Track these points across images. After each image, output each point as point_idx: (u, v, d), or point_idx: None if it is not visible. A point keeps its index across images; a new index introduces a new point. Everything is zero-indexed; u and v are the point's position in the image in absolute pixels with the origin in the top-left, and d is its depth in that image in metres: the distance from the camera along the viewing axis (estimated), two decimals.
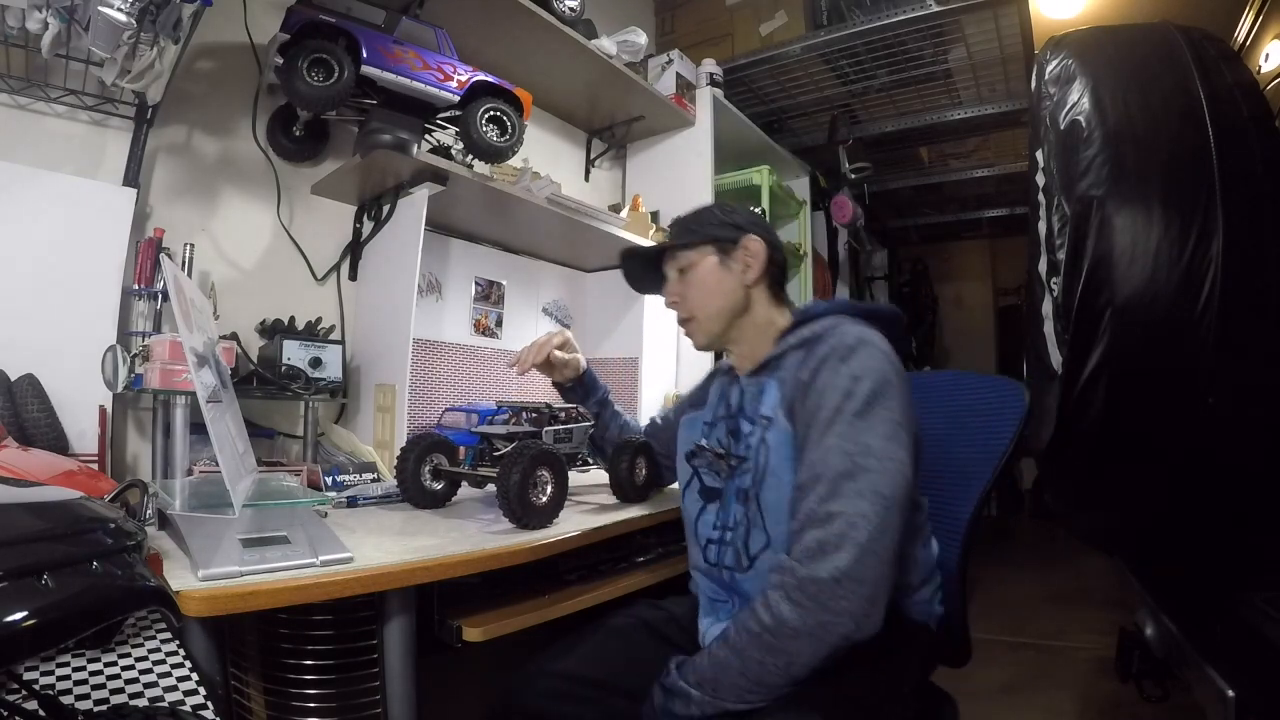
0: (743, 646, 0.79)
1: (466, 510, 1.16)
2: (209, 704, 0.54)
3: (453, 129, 1.51)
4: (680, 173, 2.29)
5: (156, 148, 1.30)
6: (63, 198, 1.14)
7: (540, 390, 1.99)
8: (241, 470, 0.97)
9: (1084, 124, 1.18)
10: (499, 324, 1.90)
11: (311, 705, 0.85)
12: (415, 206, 1.43)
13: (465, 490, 1.25)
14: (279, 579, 0.71)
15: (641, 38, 1.98)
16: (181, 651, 0.62)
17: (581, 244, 1.94)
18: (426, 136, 1.52)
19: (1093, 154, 1.16)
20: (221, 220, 1.41)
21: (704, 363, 2.11)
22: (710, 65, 2.32)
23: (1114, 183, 1.14)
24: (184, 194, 1.35)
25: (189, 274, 1.27)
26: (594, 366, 1.34)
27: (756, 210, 2.31)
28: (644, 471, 1.26)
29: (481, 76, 1.46)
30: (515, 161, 1.62)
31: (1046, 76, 1.30)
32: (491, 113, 1.46)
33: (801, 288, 2.72)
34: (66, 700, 0.52)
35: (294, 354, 1.34)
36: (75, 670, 0.57)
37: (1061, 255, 1.19)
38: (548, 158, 2.09)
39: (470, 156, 1.51)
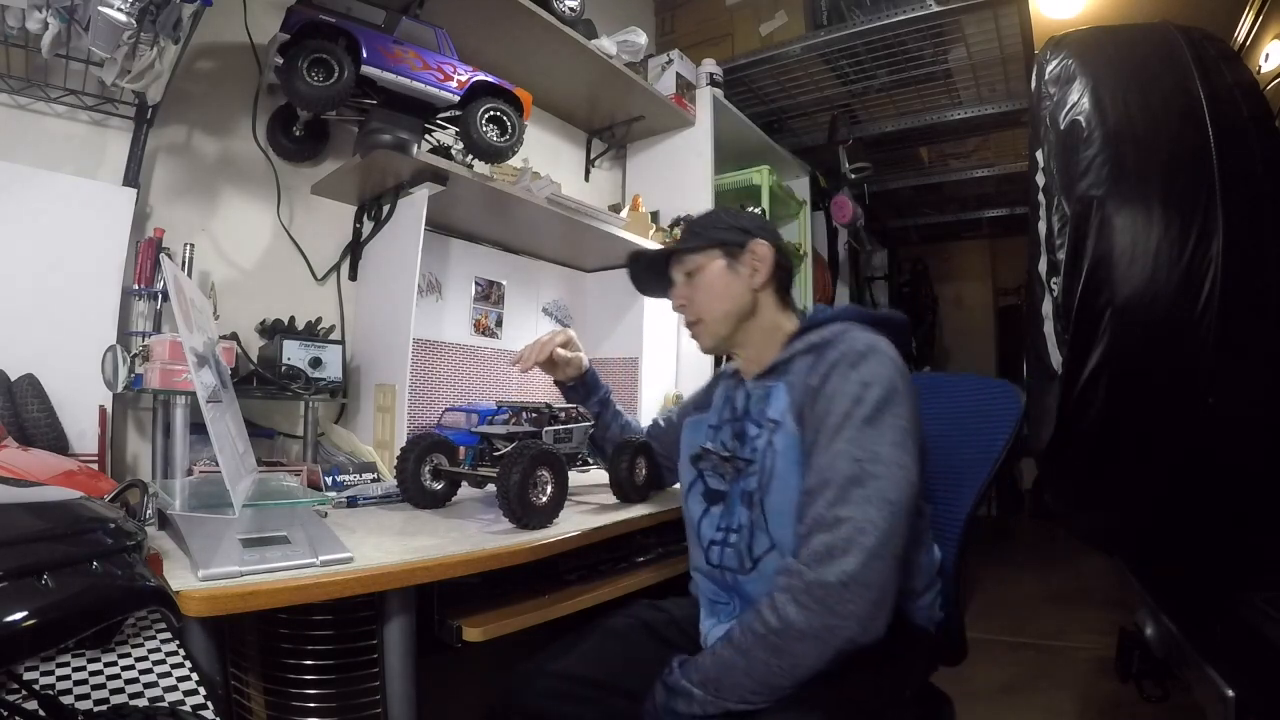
0: (748, 647, 0.79)
1: (466, 510, 1.16)
2: (209, 704, 0.54)
3: (453, 129, 1.51)
4: (680, 173, 2.29)
5: (156, 148, 1.30)
6: (63, 198, 1.14)
7: (540, 390, 1.99)
8: (241, 470, 0.97)
9: (1084, 124, 1.18)
10: (499, 324, 1.90)
11: (311, 705, 0.85)
12: (415, 206, 1.43)
13: (465, 490, 1.25)
14: (279, 579, 0.71)
15: (641, 38, 1.98)
16: (181, 651, 0.62)
17: (581, 244, 1.94)
18: (426, 136, 1.52)
19: (1093, 154, 1.16)
20: (221, 220, 1.41)
21: (704, 363, 2.12)
22: (710, 65, 2.32)
23: (1114, 183, 1.13)
24: (184, 194, 1.35)
25: (189, 274, 1.27)
26: (594, 367, 1.34)
27: (757, 211, 2.32)
28: (644, 471, 1.26)
29: (481, 76, 1.46)
30: (515, 161, 1.62)
31: (1046, 76, 1.29)
32: (491, 113, 1.46)
33: (802, 288, 2.72)
34: (66, 700, 0.52)
35: (294, 354, 1.34)
36: (75, 670, 0.57)
37: (1061, 255, 1.19)
38: (548, 158, 2.09)
39: (470, 156, 1.51)
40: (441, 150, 1.52)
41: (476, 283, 1.85)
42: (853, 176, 2.86)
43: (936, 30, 2.30)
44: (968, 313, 5.48)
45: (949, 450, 1.13)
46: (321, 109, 1.31)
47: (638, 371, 2.01)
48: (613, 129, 2.28)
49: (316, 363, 1.37)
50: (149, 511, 0.87)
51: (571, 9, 1.75)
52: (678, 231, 2.14)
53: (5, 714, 0.47)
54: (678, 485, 1.28)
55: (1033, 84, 1.38)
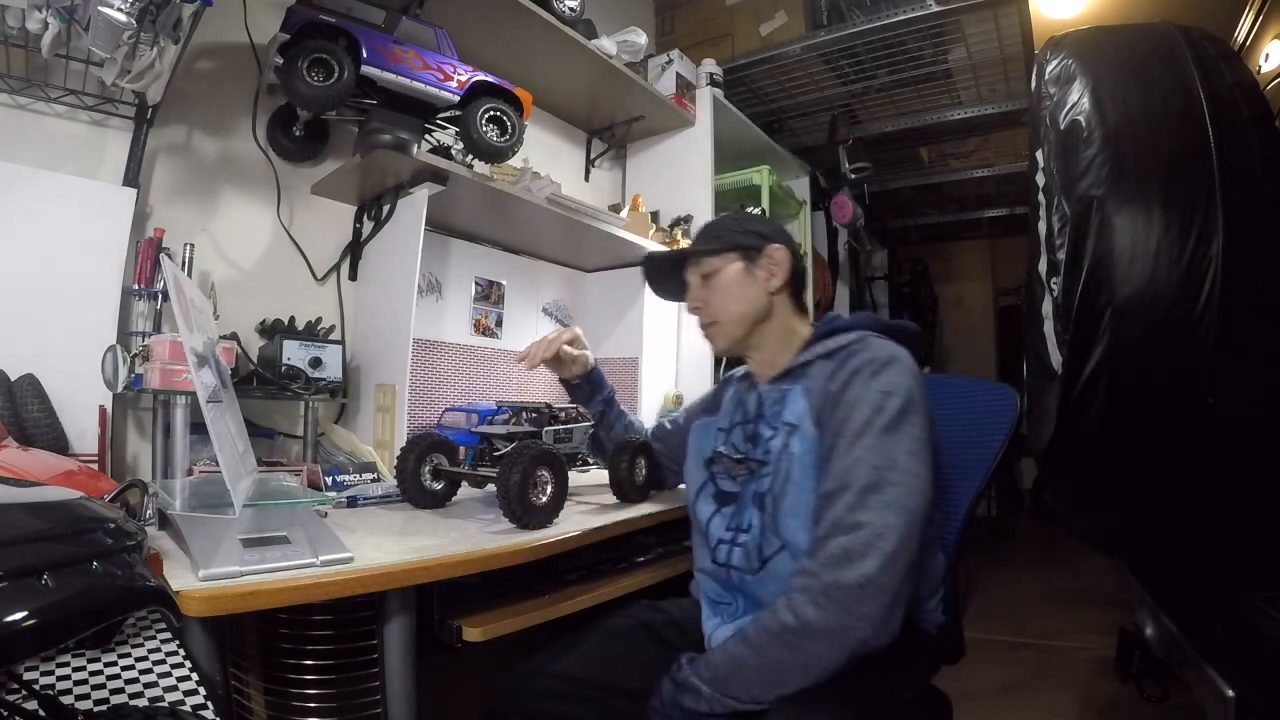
0: (762, 645, 0.80)
1: (466, 510, 1.16)
2: (209, 704, 0.54)
3: (453, 129, 1.51)
4: (680, 173, 2.29)
5: (156, 148, 1.30)
6: (63, 198, 1.14)
7: (540, 390, 1.99)
8: (242, 470, 0.97)
9: (1084, 124, 1.18)
10: (499, 324, 1.90)
11: (311, 705, 0.85)
12: (415, 206, 1.43)
13: (465, 490, 1.25)
14: (279, 579, 0.71)
15: (641, 38, 1.98)
16: (181, 651, 0.62)
17: (581, 244, 1.94)
18: (426, 136, 1.52)
19: (1093, 154, 1.16)
20: (221, 220, 1.41)
21: (704, 364, 2.12)
22: (710, 65, 2.32)
23: (1114, 183, 1.13)
24: (184, 194, 1.35)
25: (189, 274, 1.27)
26: (599, 365, 1.34)
27: (757, 211, 2.32)
28: (644, 471, 1.26)
29: (481, 76, 1.46)
30: (515, 161, 1.62)
31: (1046, 76, 1.29)
32: (491, 113, 1.46)
33: None
34: (66, 700, 0.52)
35: (294, 354, 1.34)
36: (75, 670, 0.57)
37: (1061, 255, 1.19)
38: (548, 158, 2.09)
39: (470, 156, 1.51)
40: (441, 150, 1.52)
41: (476, 283, 1.85)
42: (853, 176, 2.86)
43: (936, 30, 2.30)
44: (968, 313, 5.48)
45: (945, 453, 1.13)
46: (321, 109, 1.31)
47: (638, 371, 2.01)
48: (613, 129, 2.28)
49: (316, 363, 1.37)
50: (149, 511, 0.87)
51: (571, 9, 1.75)
52: (678, 232, 2.14)
53: (5, 714, 0.47)
54: (682, 486, 1.28)
55: (1033, 84, 1.38)
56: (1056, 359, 1.24)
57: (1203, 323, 1.07)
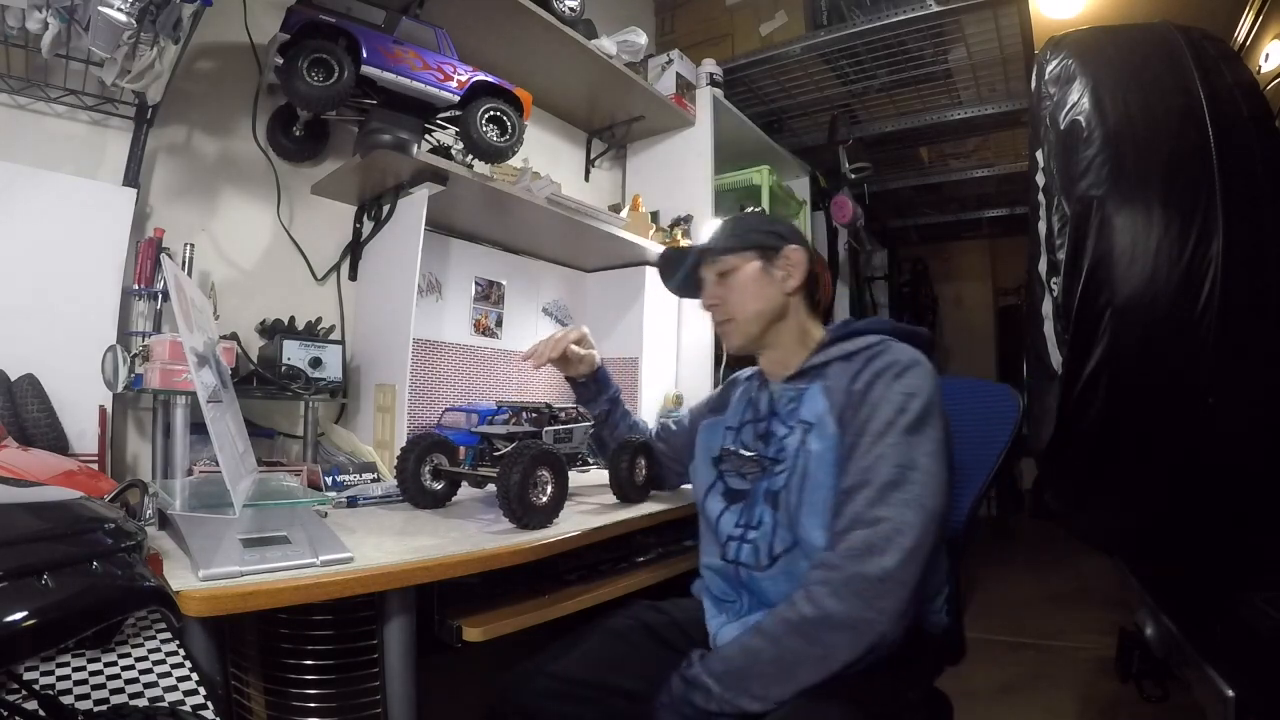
0: (780, 636, 0.80)
1: (466, 510, 1.16)
2: (209, 704, 0.54)
3: (453, 129, 1.51)
4: (680, 173, 2.29)
5: (156, 148, 1.30)
6: (63, 198, 1.14)
7: (540, 390, 1.99)
8: (242, 470, 0.97)
9: (1084, 124, 1.18)
10: (499, 324, 1.90)
11: (311, 705, 0.85)
12: (415, 206, 1.43)
13: (465, 490, 1.25)
14: (279, 579, 0.71)
15: (641, 38, 1.98)
16: (181, 651, 0.62)
17: (581, 244, 1.94)
18: (426, 136, 1.52)
19: (1093, 154, 1.16)
20: (221, 220, 1.41)
21: (704, 364, 2.12)
22: (710, 65, 2.32)
23: (1114, 183, 1.13)
24: (184, 194, 1.35)
25: (189, 274, 1.27)
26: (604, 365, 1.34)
27: (757, 211, 2.32)
28: (644, 472, 1.26)
29: (481, 76, 1.46)
30: (515, 161, 1.62)
31: (1046, 76, 1.29)
32: (491, 113, 1.46)
33: None
34: (66, 700, 0.52)
35: (294, 354, 1.34)
36: (75, 670, 0.57)
37: (1061, 255, 1.19)
38: (548, 158, 2.09)
39: (470, 156, 1.51)
40: (441, 150, 1.52)
41: (476, 283, 1.85)
42: (853, 176, 2.86)
43: (936, 30, 2.30)
44: (968, 313, 5.48)
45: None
46: (321, 109, 1.31)
47: (638, 371, 2.01)
48: (613, 129, 2.28)
49: (316, 363, 1.37)
50: (149, 511, 0.87)
51: (571, 9, 1.75)
52: (678, 232, 2.14)
53: (5, 714, 0.47)
54: (686, 487, 1.28)
55: (1033, 84, 1.39)
56: (1056, 359, 1.24)
57: (1203, 323, 1.07)
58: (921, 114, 2.88)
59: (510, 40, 1.72)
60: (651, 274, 2.03)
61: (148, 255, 1.22)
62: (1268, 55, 1.93)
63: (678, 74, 2.20)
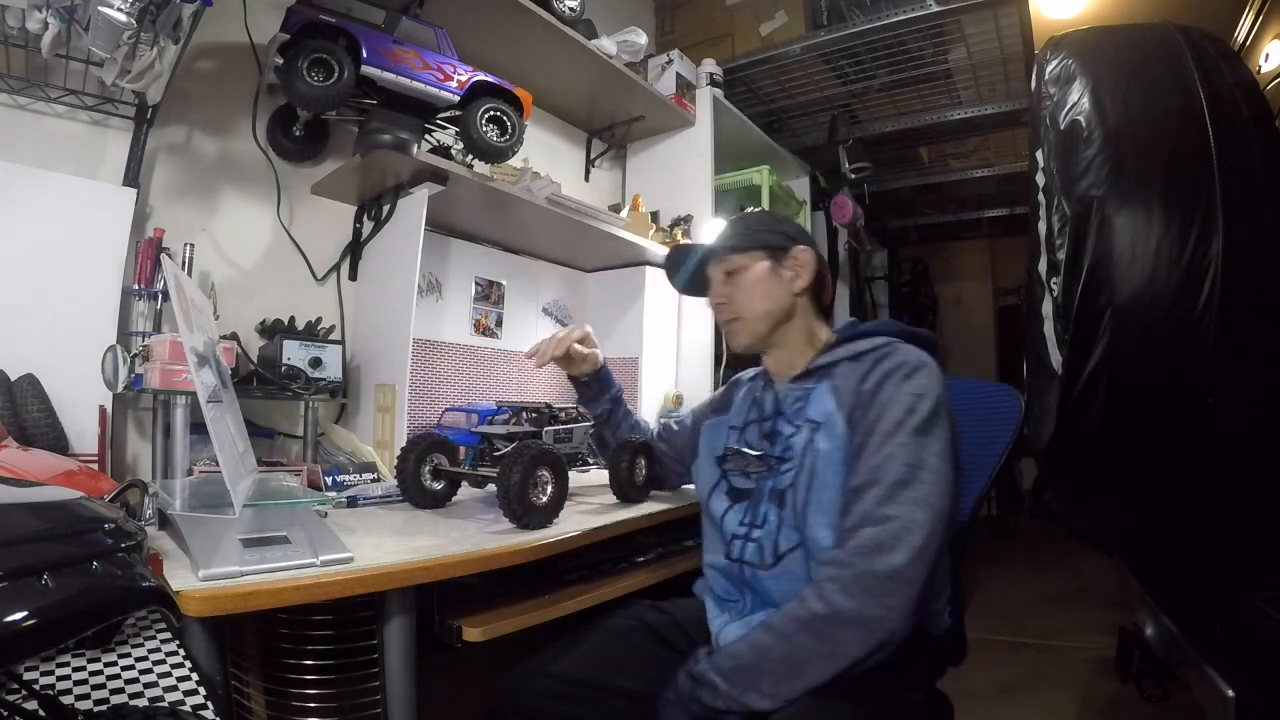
0: (790, 632, 0.81)
1: (466, 510, 1.16)
2: (209, 704, 0.54)
3: (453, 129, 1.51)
4: (680, 173, 2.29)
5: (156, 148, 1.30)
6: (63, 198, 1.14)
7: (540, 390, 1.99)
8: (242, 470, 0.97)
9: (1084, 124, 1.18)
10: (499, 324, 1.90)
11: (311, 705, 0.85)
12: (415, 206, 1.43)
13: (465, 490, 1.25)
14: (279, 579, 0.71)
15: (641, 38, 1.98)
16: (181, 651, 0.62)
17: (581, 244, 1.94)
18: (426, 136, 1.52)
19: (1093, 154, 1.16)
20: (221, 220, 1.41)
21: (704, 364, 2.12)
22: (710, 65, 2.32)
23: (1114, 183, 1.13)
24: (184, 194, 1.35)
25: (189, 274, 1.27)
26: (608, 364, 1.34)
27: (765, 210, 2.31)
28: (644, 472, 1.26)
29: (481, 76, 1.46)
30: (515, 161, 1.62)
31: (1046, 76, 1.29)
32: (491, 113, 1.46)
33: None
34: (66, 700, 0.52)
35: (294, 354, 1.34)
36: (75, 670, 0.57)
37: (1061, 255, 1.19)
38: (548, 158, 2.09)
39: (470, 156, 1.51)
40: (441, 150, 1.52)
41: (476, 283, 1.85)
42: (853, 176, 2.86)
43: (936, 30, 2.30)
44: (968, 313, 5.47)
45: None
46: (321, 109, 1.31)
47: (638, 371, 2.01)
48: (613, 129, 2.28)
49: (316, 363, 1.37)
50: (149, 511, 0.87)
51: (571, 9, 1.75)
52: (678, 232, 2.14)
53: (5, 714, 0.47)
54: (688, 487, 1.28)
55: (1033, 84, 1.39)
56: (1056, 359, 1.24)
57: (1203, 323, 1.07)
58: (921, 114, 2.88)
59: (510, 40, 1.72)
60: (651, 274, 2.03)
61: (148, 255, 1.22)
62: (1268, 55, 1.93)
63: (678, 74, 2.20)
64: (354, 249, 1.59)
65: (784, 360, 1.05)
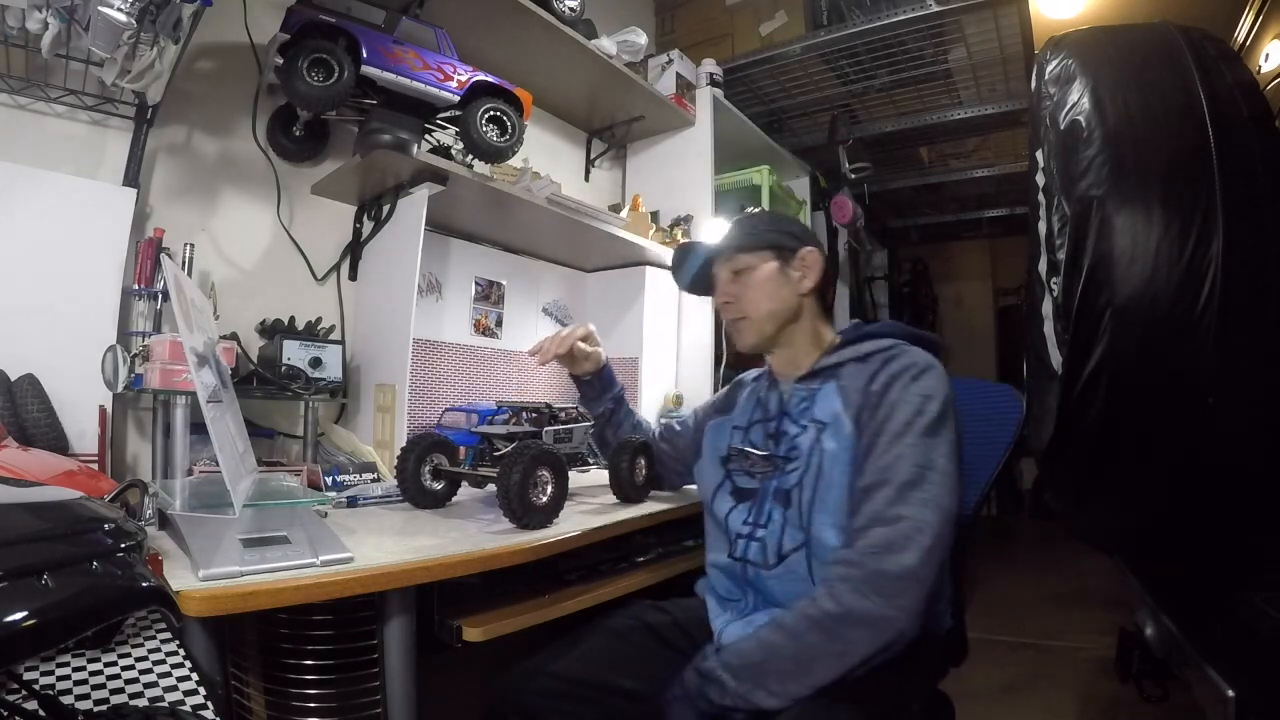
0: (800, 631, 0.81)
1: (466, 510, 1.16)
2: (209, 704, 0.54)
3: (453, 129, 1.51)
4: (680, 173, 2.29)
5: (156, 148, 1.30)
6: (63, 198, 1.14)
7: (541, 390, 1.99)
8: (242, 470, 0.97)
9: (1084, 124, 1.18)
10: (499, 324, 1.90)
11: (311, 705, 0.85)
12: (415, 206, 1.43)
13: (465, 490, 1.25)
14: (279, 579, 0.71)
15: (641, 38, 1.98)
16: (181, 651, 0.62)
17: (581, 244, 1.94)
18: (426, 136, 1.52)
19: (1093, 154, 1.16)
20: (221, 220, 1.41)
21: (704, 364, 2.12)
22: (710, 65, 2.32)
23: (1114, 183, 1.13)
24: (184, 194, 1.35)
25: (189, 274, 1.27)
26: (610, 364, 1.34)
27: (771, 210, 2.31)
28: (644, 471, 1.26)
29: (481, 76, 1.46)
30: (515, 161, 1.62)
31: (1046, 76, 1.29)
32: (491, 113, 1.46)
33: None
34: (66, 700, 0.52)
35: (294, 354, 1.34)
36: (75, 670, 0.57)
37: (1061, 255, 1.19)
38: (548, 158, 2.09)
39: (470, 156, 1.51)
40: (441, 150, 1.52)
41: (476, 283, 1.85)
42: (853, 176, 2.86)
43: (936, 30, 2.30)
44: (968, 313, 5.47)
45: None
46: (321, 109, 1.31)
47: (638, 371, 2.01)
48: (613, 129, 2.28)
49: (316, 363, 1.37)
50: (149, 511, 0.87)
51: (571, 9, 1.75)
52: (678, 232, 2.14)
53: (5, 714, 0.47)
54: (689, 487, 1.28)
55: (1033, 84, 1.38)
56: (1056, 359, 1.24)
57: (1203, 323, 1.07)
58: (921, 114, 2.88)
59: (510, 40, 1.72)
60: (652, 274, 2.03)
61: (148, 255, 1.22)
62: (1268, 55, 1.93)
63: (678, 74, 2.20)
64: (354, 249, 1.59)
65: (789, 360, 1.05)
